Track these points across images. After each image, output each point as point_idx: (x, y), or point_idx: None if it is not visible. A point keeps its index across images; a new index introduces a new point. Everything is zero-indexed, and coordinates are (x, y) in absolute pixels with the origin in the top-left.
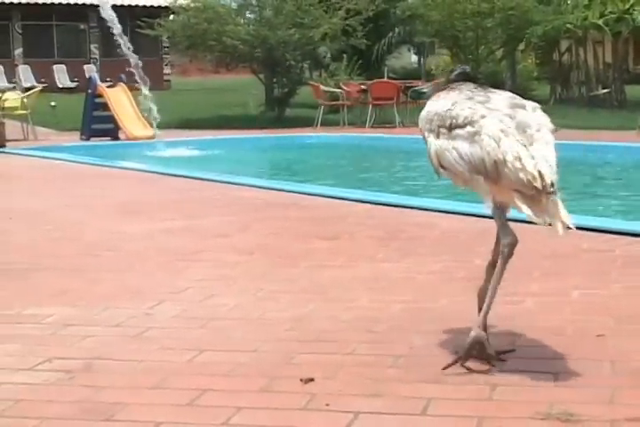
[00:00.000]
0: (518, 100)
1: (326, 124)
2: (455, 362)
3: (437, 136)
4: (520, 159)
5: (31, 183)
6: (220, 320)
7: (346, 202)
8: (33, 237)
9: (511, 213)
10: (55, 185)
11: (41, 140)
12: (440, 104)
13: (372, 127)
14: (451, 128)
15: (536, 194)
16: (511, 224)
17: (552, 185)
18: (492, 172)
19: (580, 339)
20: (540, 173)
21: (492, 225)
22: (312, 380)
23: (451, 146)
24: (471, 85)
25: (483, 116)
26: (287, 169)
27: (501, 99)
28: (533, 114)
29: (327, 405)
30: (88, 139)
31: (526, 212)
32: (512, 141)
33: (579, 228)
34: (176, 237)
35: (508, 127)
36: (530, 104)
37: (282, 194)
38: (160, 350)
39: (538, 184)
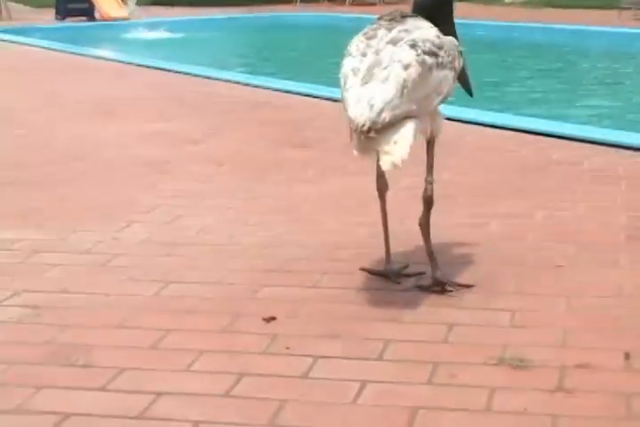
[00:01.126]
0: (405, 33)
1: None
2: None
3: None
4: (346, 99)
5: None
6: (186, 246)
7: (320, 101)
8: None
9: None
10: (26, 78)
11: (16, 19)
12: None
13: (351, 4)
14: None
15: (355, 132)
16: (488, 130)
17: (364, 126)
18: (344, 108)
19: (540, 270)
20: (354, 114)
21: (466, 131)
22: (274, 318)
23: None
24: (395, 14)
25: (349, 54)
26: (264, 56)
27: (393, 32)
28: (400, 49)
29: (287, 348)
30: (64, 18)
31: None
32: (353, 81)
33: (551, 135)
34: (147, 144)
35: (360, 66)
36: (410, 38)
37: (255, 91)
38: (127, 281)
39: (353, 125)
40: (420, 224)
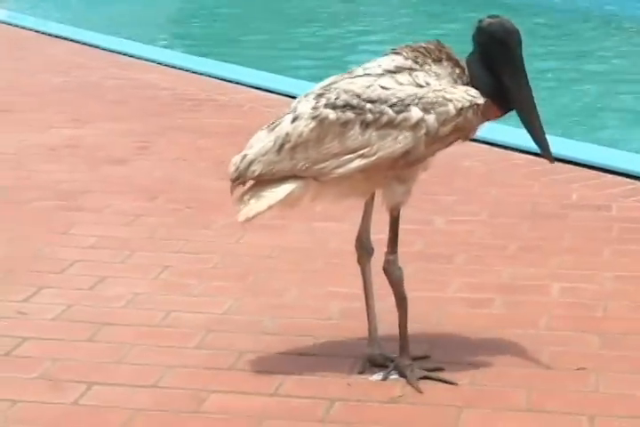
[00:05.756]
0: (344, 77)
1: None
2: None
3: None
4: None
5: None
6: (112, 327)
7: (281, 98)
8: None
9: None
10: None
11: None
12: None
13: None
14: None
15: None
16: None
17: (231, 175)
18: None
19: (557, 375)
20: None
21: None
22: None
23: None
24: (403, 48)
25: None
26: (210, 18)
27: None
28: (306, 97)
29: None
30: None
31: None
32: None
33: (574, 162)
34: (56, 164)
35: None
36: (332, 85)
37: (194, 79)
38: (37, 381)
39: None
40: (397, 305)
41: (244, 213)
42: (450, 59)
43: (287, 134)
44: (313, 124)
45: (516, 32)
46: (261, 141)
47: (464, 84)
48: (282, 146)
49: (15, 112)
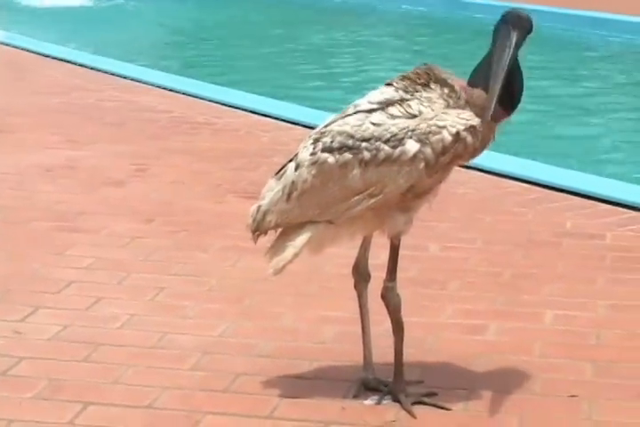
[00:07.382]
0: (339, 116)
1: None
2: None
3: None
4: None
5: None
6: (108, 347)
7: (280, 124)
8: None
9: None
10: None
11: None
12: None
13: None
14: None
15: None
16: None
17: (250, 227)
18: None
19: (550, 401)
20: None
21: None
22: None
23: None
24: (403, 76)
25: None
26: (205, 41)
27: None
28: (305, 142)
29: None
30: None
31: None
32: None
33: (567, 191)
34: (53, 185)
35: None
36: (325, 128)
37: (192, 102)
38: (33, 401)
39: None
40: (393, 331)
41: (272, 265)
42: (437, 80)
43: (293, 183)
44: (314, 170)
45: (526, 19)
46: (271, 191)
47: (455, 103)
48: (290, 195)
49: (13, 133)
